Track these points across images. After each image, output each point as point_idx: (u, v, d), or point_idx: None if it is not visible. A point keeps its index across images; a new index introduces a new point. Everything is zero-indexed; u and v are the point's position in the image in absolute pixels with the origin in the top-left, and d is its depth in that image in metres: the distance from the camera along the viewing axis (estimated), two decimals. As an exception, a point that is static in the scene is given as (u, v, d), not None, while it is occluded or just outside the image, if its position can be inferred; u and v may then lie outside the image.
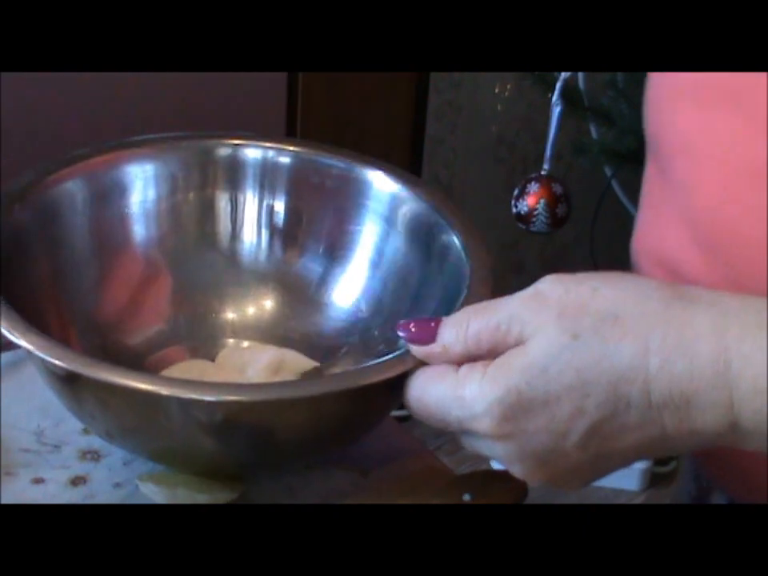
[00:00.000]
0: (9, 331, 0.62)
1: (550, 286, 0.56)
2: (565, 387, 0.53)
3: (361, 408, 0.67)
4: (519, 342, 0.56)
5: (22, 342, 0.61)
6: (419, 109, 1.93)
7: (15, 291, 0.66)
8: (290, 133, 1.74)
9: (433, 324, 0.60)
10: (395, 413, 0.70)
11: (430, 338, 0.59)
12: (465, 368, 0.57)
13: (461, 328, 0.58)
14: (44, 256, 0.74)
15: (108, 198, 0.77)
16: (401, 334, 0.61)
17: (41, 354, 0.61)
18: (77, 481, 0.70)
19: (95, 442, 0.72)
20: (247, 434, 0.64)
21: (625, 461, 0.56)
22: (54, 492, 0.69)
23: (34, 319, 0.63)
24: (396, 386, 0.67)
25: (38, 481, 0.69)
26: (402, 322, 0.61)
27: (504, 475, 0.70)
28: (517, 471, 0.58)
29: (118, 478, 0.70)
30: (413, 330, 0.60)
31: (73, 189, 0.75)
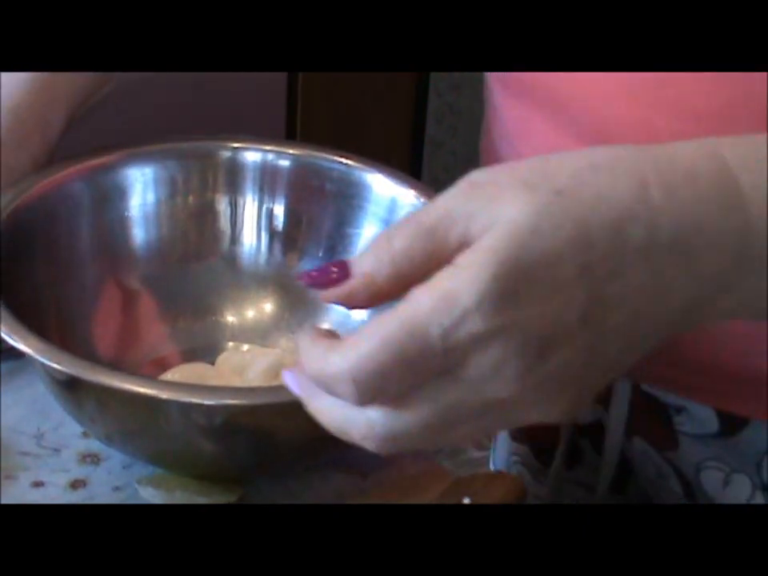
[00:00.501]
0: (9, 335, 0.62)
1: (486, 172, 0.46)
2: (566, 243, 0.44)
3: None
4: (466, 244, 0.45)
5: (22, 346, 0.61)
6: (419, 111, 1.93)
7: (15, 294, 0.66)
8: (289, 135, 1.74)
9: (339, 263, 0.47)
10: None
11: (342, 274, 0.46)
12: (416, 289, 0.45)
13: (382, 249, 0.46)
14: (44, 259, 0.74)
15: (108, 201, 0.77)
16: (304, 283, 0.48)
17: (40, 358, 0.61)
18: (76, 484, 0.70)
19: (95, 445, 0.72)
20: (246, 437, 0.64)
21: (624, 344, 0.47)
22: (54, 495, 0.69)
23: (34, 323, 0.63)
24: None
25: (38, 484, 0.69)
26: (300, 272, 0.50)
27: (504, 478, 0.70)
28: (518, 390, 0.45)
29: (118, 481, 0.70)
30: (314, 274, 0.47)
31: (73, 192, 0.75)
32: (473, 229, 0.44)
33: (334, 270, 0.46)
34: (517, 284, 0.43)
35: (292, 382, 0.48)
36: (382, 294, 0.46)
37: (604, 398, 0.80)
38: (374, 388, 0.44)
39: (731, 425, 0.73)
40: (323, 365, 0.45)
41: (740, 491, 0.74)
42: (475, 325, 0.43)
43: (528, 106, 0.71)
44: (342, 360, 0.44)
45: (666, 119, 0.62)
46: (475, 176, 0.46)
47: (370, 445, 0.46)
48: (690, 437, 0.75)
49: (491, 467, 0.98)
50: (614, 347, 0.46)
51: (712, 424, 0.74)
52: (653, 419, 0.77)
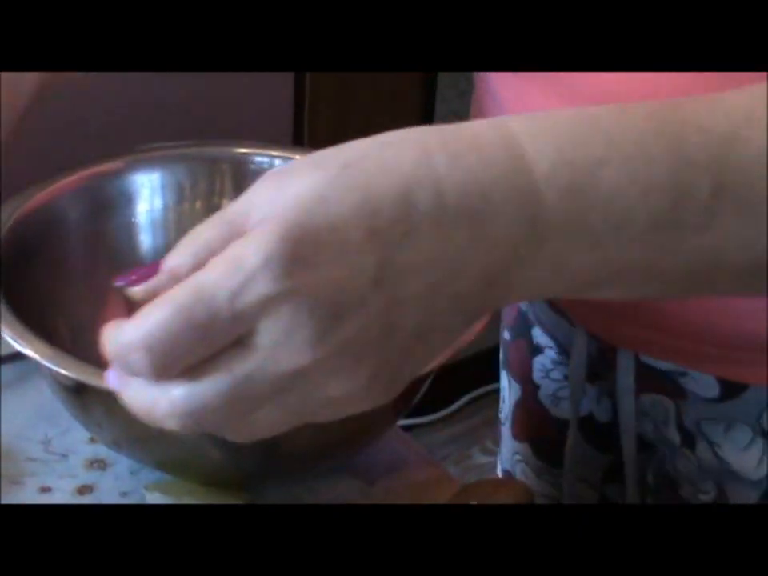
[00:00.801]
0: (15, 340, 0.62)
1: (279, 170, 0.47)
2: (351, 208, 0.44)
3: (367, 417, 0.67)
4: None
5: (29, 352, 0.61)
6: (426, 117, 1.93)
7: (21, 300, 0.66)
8: (297, 141, 1.74)
9: (152, 264, 0.48)
10: (401, 422, 0.70)
11: (151, 272, 0.48)
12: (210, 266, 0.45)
13: (187, 244, 0.47)
14: (51, 265, 0.74)
15: (114, 207, 0.77)
16: (119, 284, 0.49)
17: (48, 364, 0.61)
18: (83, 490, 0.70)
19: (102, 451, 0.72)
20: (253, 443, 0.64)
21: (423, 317, 0.46)
22: (61, 501, 0.69)
23: (40, 328, 0.63)
24: (401, 395, 0.67)
25: (45, 490, 0.69)
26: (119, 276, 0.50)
27: (511, 484, 0.70)
28: (313, 357, 0.45)
29: (125, 487, 0.70)
30: (126, 275, 0.49)
31: (79, 198, 0.76)
32: (268, 212, 0.45)
33: (144, 270, 0.48)
34: (304, 247, 0.44)
35: (110, 378, 0.48)
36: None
37: (607, 372, 0.80)
38: (167, 356, 0.44)
39: (731, 390, 0.75)
40: (118, 337, 0.45)
41: (740, 437, 0.76)
42: (263, 287, 0.43)
43: (522, 77, 0.70)
44: (135, 329, 0.45)
45: (666, 88, 0.61)
46: (278, 167, 0.48)
47: (173, 423, 0.47)
48: (694, 394, 0.77)
49: (498, 472, 0.98)
50: (412, 319, 0.46)
51: (713, 389, 0.76)
52: (660, 380, 0.78)
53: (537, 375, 0.88)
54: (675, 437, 0.80)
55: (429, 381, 0.68)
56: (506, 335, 0.92)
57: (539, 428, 0.90)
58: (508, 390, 0.93)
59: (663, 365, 0.77)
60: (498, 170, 0.46)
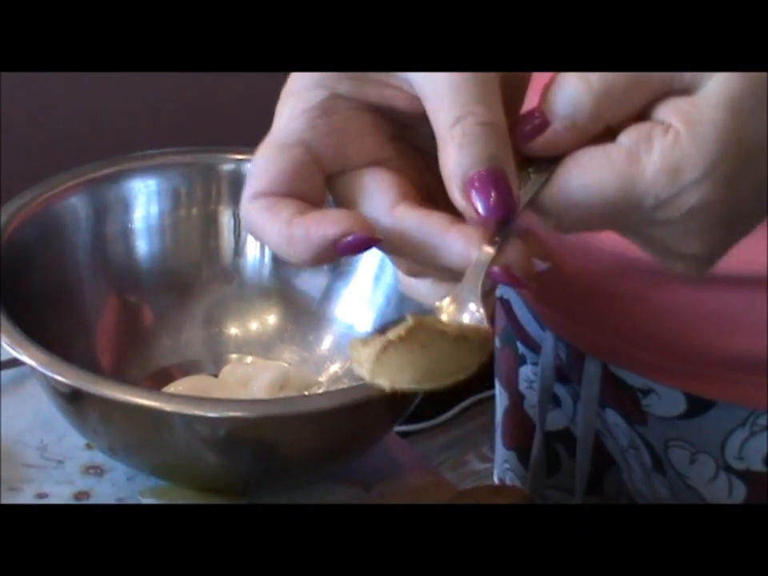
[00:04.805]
0: (12, 347, 0.62)
1: None
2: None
3: (363, 423, 0.67)
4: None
5: (25, 358, 0.61)
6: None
7: (18, 306, 0.66)
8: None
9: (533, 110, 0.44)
10: (398, 428, 0.70)
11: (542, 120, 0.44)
12: (656, 130, 0.43)
13: None
14: (47, 271, 0.74)
15: (111, 213, 0.77)
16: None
17: (44, 370, 0.61)
18: (80, 496, 0.70)
19: (98, 457, 0.72)
20: (250, 449, 0.64)
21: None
22: (57, 507, 0.69)
23: (37, 335, 0.63)
24: (398, 401, 0.67)
25: (42, 496, 0.69)
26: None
27: (507, 490, 0.70)
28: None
29: (121, 493, 0.70)
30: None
31: (76, 204, 0.76)
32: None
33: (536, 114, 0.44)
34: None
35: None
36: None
37: (579, 379, 0.81)
38: None
39: (697, 406, 0.74)
40: None
41: (705, 470, 0.76)
42: (699, 191, 0.42)
43: None
44: None
45: None
46: None
47: None
48: (656, 417, 0.76)
49: (495, 478, 0.98)
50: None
51: (679, 405, 0.74)
52: (622, 397, 0.78)
53: (522, 385, 0.89)
54: (647, 459, 0.80)
55: (425, 387, 0.68)
56: (497, 343, 0.92)
57: (524, 437, 0.90)
58: (499, 397, 0.94)
59: (630, 376, 0.76)
60: None
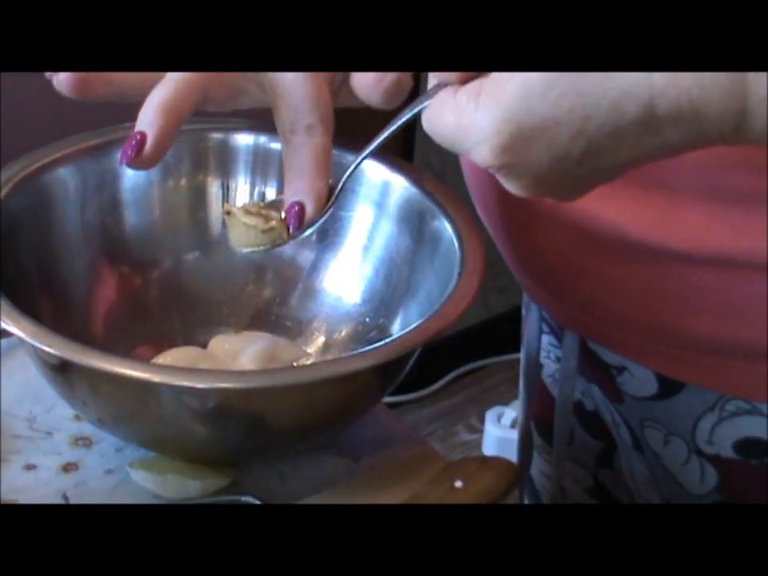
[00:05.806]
0: (0, 318, 0.62)
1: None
2: (565, 112, 0.50)
3: (352, 394, 0.67)
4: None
5: (14, 329, 0.61)
6: (411, 94, 1.93)
7: (7, 278, 0.66)
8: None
9: None
10: (387, 399, 0.70)
11: None
12: (462, 93, 0.53)
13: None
14: (36, 243, 0.74)
15: (100, 184, 0.77)
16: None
17: (32, 341, 0.61)
18: (68, 467, 0.70)
19: (87, 428, 0.72)
20: (239, 421, 0.64)
21: (621, 171, 0.53)
22: (46, 478, 0.69)
23: (26, 306, 0.63)
24: (387, 372, 0.67)
25: (30, 467, 0.69)
26: None
27: (496, 461, 0.70)
28: (514, 190, 0.55)
29: (110, 464, 0.70)
30: None
31: (64, 175, 0.75)
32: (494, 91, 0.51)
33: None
34: (515, 140, 0.51)
35: None
36: None
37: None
38: None
39: (668, 388, 0.74)
40: None
41: (678, 453, 0.76)
42: (481, 155, 0.52)
43: None
44: None
45: None
46: None
47: None
48: (631, 396, 0.76)
49: (483, 449, 0.98)
50: (609, 175, 0.54)
51: (650, 386, 0.75)
52: (600, 373, 0.78)
53: (542, 354, 0.89)
54: (627, 437, 0.80)
55: (414, 358, 0.68)
56: (523, 311, 0.92)
57: (541, 406, 0.90)
58: (522, 366, 0.94)
59: (606, 354, 0.77)
60: (717, 92, 0.48)
